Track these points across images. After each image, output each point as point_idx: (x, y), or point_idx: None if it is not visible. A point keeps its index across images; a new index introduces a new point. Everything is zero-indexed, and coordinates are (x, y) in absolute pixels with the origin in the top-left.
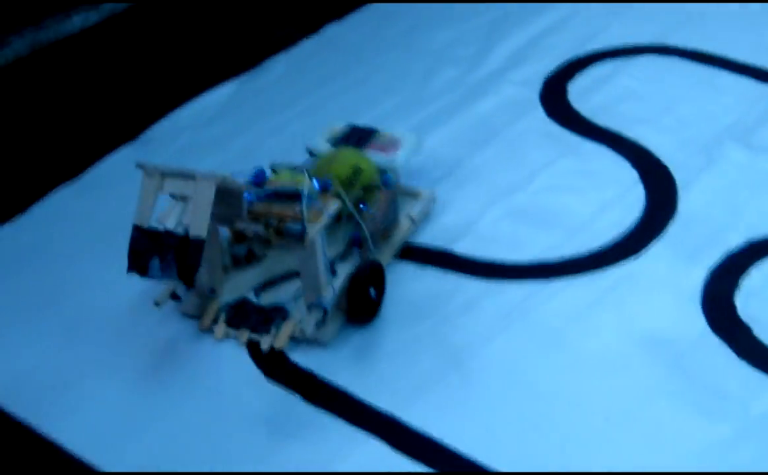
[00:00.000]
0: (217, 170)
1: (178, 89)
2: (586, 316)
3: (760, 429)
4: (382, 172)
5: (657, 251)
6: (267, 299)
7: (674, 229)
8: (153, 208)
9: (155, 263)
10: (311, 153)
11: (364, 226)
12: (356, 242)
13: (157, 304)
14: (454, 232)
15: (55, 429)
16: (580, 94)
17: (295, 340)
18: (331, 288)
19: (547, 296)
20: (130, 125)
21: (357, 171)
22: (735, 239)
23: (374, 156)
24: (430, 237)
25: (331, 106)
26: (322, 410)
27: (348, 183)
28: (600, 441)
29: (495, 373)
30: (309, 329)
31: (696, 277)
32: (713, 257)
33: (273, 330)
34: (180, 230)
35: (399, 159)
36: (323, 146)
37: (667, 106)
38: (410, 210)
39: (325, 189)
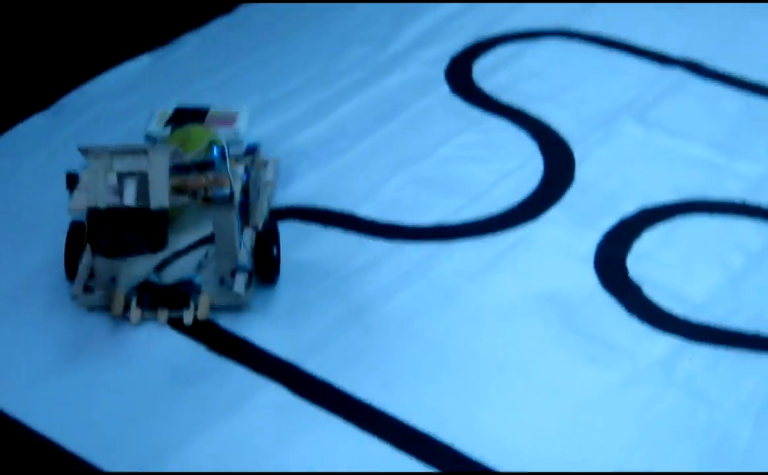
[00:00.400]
0: (128, 141)
1: (91, 62)
2: (483, 274)
3: (647, 376)
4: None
5: (553, 216)
6: (170, 276)
7: (571, 196)
8: (105, 189)
9: (129, 239)
10: (150, 137)
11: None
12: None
13: (75, 297)
14: (358, 196)
15: None
16: (485, 72)
17: (215, 308)
18: (245, 252)
19: (447, 256)
20: (40, 95)
21: (212, 145)
22: (628, 206)
23: (219, 130)
24: (334, 201)
25: (244, 80)
26: (226, 358)
27: None
28: (494, 388)
29: (394, 326)
30: (241, 289)
31: (590, 240)
32: (608, 222)
33: (191, 303)
34: (140, 204)
35: (241, 130)
36: (161, 131)
37: (568, 86)
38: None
39: (223, 156)
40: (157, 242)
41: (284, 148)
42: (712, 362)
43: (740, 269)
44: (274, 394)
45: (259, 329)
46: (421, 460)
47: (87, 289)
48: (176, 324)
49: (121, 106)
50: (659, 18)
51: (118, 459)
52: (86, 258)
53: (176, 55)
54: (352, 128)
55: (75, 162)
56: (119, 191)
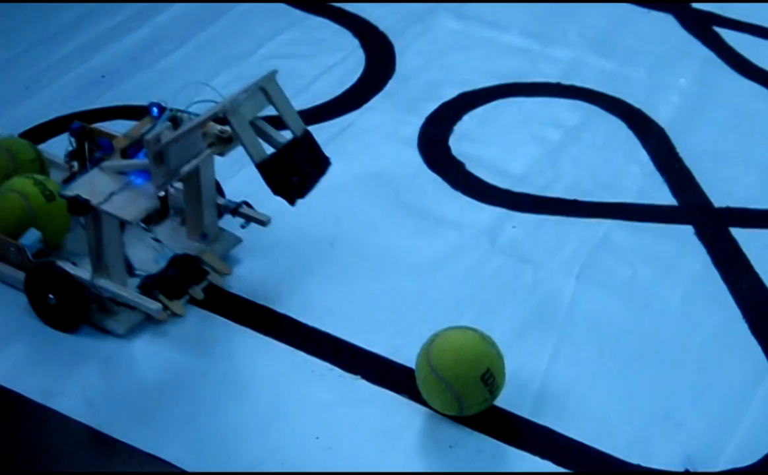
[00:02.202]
0: None
1: None
2: None
3: (473, 244)
4: None
5: (376, 105)
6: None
7: (392, 86)
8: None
9: (308, 169)
10: None
11: None
12: None
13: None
14: (184, 95)
15: None
16: None
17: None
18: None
19: None
20: None
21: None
22: (449, 92)
23: None
24: (159, 99)
25: None
26: None
27: None
28: (326, 263)
29: None
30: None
31: (413, 124)
32: (429, 107)
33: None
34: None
35: None
36: None
37: None
38: None
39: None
40: (325, 159)
41: (110, 53)
42: (534, 229)
43: (557, 144)
44: None
45: None
46: (259, 331)
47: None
48: None
49: None
50: None
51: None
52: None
53: None
54: (176, 32)
55: None
56: (266, 136)
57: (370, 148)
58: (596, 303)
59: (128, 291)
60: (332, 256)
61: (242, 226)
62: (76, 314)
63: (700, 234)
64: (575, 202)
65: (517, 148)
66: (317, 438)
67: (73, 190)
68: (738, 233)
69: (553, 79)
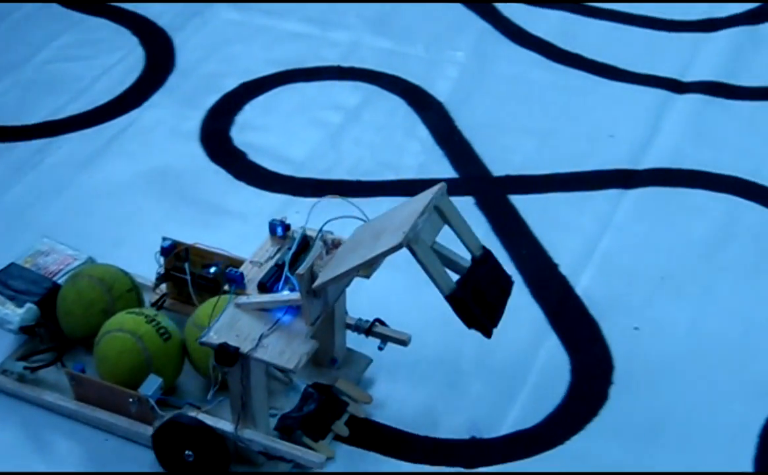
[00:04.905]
0: None
1: None
2: (93, 161)
3: (256, 234)
4: None
5: (157, 101)
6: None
7: (172, 81)
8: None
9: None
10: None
11: None
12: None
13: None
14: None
15: None
16: None
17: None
18: None
19: (55, 149)
20: None
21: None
22: (230, 84)
23: None
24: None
25: None
26: None
27: None
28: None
29: (11, 219)
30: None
31: (195, 118)
32: (210, 100)
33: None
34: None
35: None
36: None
37: None
38: None
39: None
40: (507, 278)
41: None
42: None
43: (338, 126)
44: None
45: None
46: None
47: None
48: None
49: None
50: None
51: None
52: None
53: None
54: None
55: None
56: (447, 260)
57: (153, 145)
58: (380, 280)
59: (282, 442)
60: (118, 255)
61: (380, 348)
62: (218, 470)
63: (481, 204)
64: (358, 182)
65: (298, 134)
66: None
67: (216, 336)
68: (517, 200)
69: (333, 63)
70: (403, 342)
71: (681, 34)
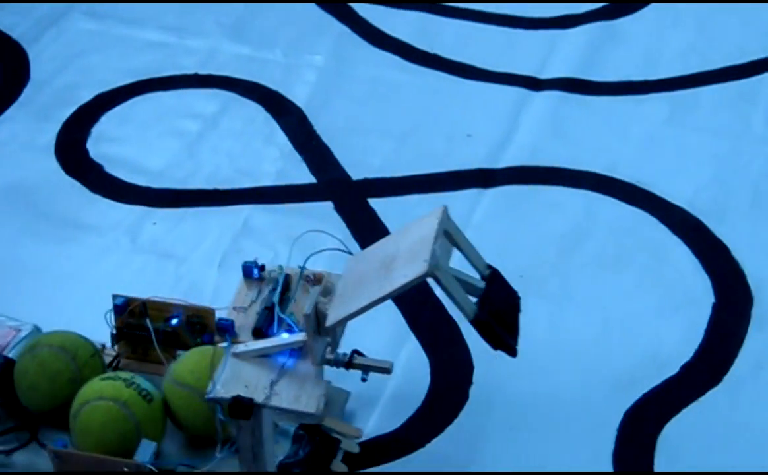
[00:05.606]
0: None
1: None
2: None
3: (112, 246)
4: None
5: (11, 115)
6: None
7: (27, 95)
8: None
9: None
10: None
11: None
12: None
13: None
14: None
15: None
16: None
17: None
18: None
19: None
20: None
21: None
22: (86, 95)
23: None
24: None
25: None
26: None
27: None
28: None
29: None
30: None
31: (50, 132)
32: (66, 112)
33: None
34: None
35: None
36: None
37: None
38: None
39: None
40: (514, 293)
41: None
42: (175, 223)
43: (196, 135)
44: None
45: None
46: None
47: None
48: None
49: None
50: None
51: None
52: None
53: None
54: None
55: None
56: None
57: (6, 160)
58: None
59: None
60: None
61: (363, 379)
62: None
63: (339, 209)
64: (215, 191)
65: (155, 144)
66: None
67: (223, 389)
68: (376, 203)
69: (190, 71)
70: (386, 370)
71: (538, 31)
